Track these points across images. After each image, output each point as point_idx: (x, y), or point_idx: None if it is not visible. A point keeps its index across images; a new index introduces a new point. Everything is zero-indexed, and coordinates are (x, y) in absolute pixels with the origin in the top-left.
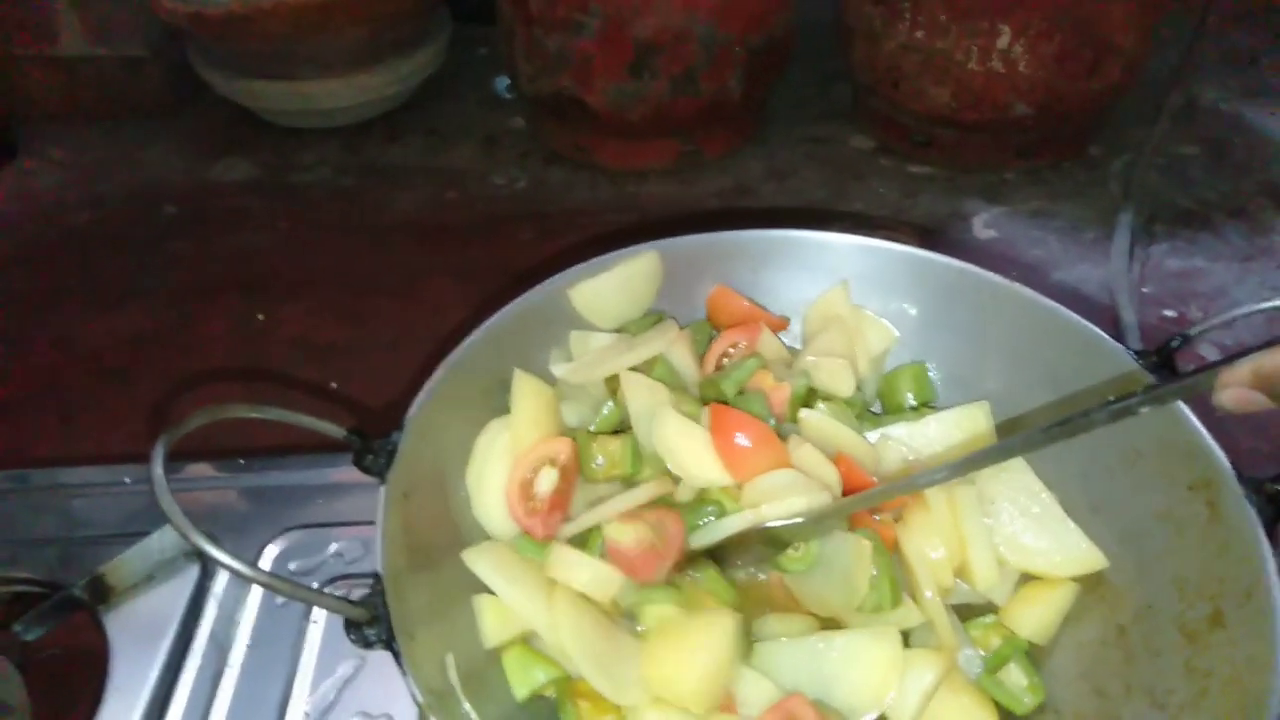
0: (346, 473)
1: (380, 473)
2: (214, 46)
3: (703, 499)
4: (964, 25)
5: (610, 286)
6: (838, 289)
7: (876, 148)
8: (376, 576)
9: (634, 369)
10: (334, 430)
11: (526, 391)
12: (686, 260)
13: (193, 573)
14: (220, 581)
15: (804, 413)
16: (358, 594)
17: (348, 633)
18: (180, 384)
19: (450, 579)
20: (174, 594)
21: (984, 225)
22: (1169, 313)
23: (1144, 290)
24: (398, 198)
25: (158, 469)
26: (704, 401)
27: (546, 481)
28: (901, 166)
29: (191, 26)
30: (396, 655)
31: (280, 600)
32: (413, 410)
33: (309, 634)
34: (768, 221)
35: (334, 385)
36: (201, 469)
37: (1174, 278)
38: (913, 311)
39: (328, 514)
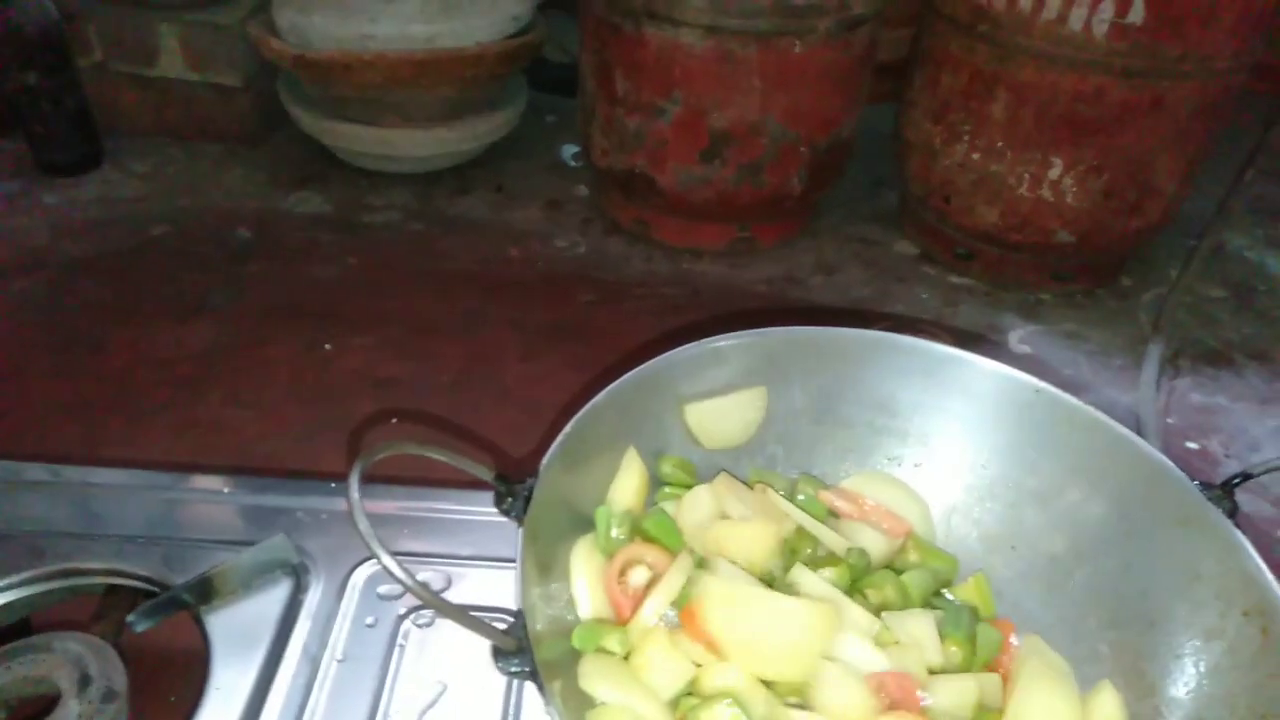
0: (434, 507)
1: (518, 516)
2: (306, 86)
3: None
4: (1020, 153)
5: (722, 409)
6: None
7: (920, 255)
8: (519, 612)
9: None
10: (484, 473)
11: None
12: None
13: (286, 585)
14: (314, 596)
15: None
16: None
17: (495, 659)
18: (245, 402)
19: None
20: (270, 604)
21: (1019, 340)
22: (1192, 444)
23: (1168, 420)
24: (463, 248)
25: (354, 492)
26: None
27: (639, 577)
28: (943, 275)
29: (294, 68)
30: (540, 686)
31: (369, 621)
32: (545, 461)
33: (394, 656)
34: (816, 317)
35: (394, 420)
36: (303, 487)
37: (1197, 411)
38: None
39: (414, 545)
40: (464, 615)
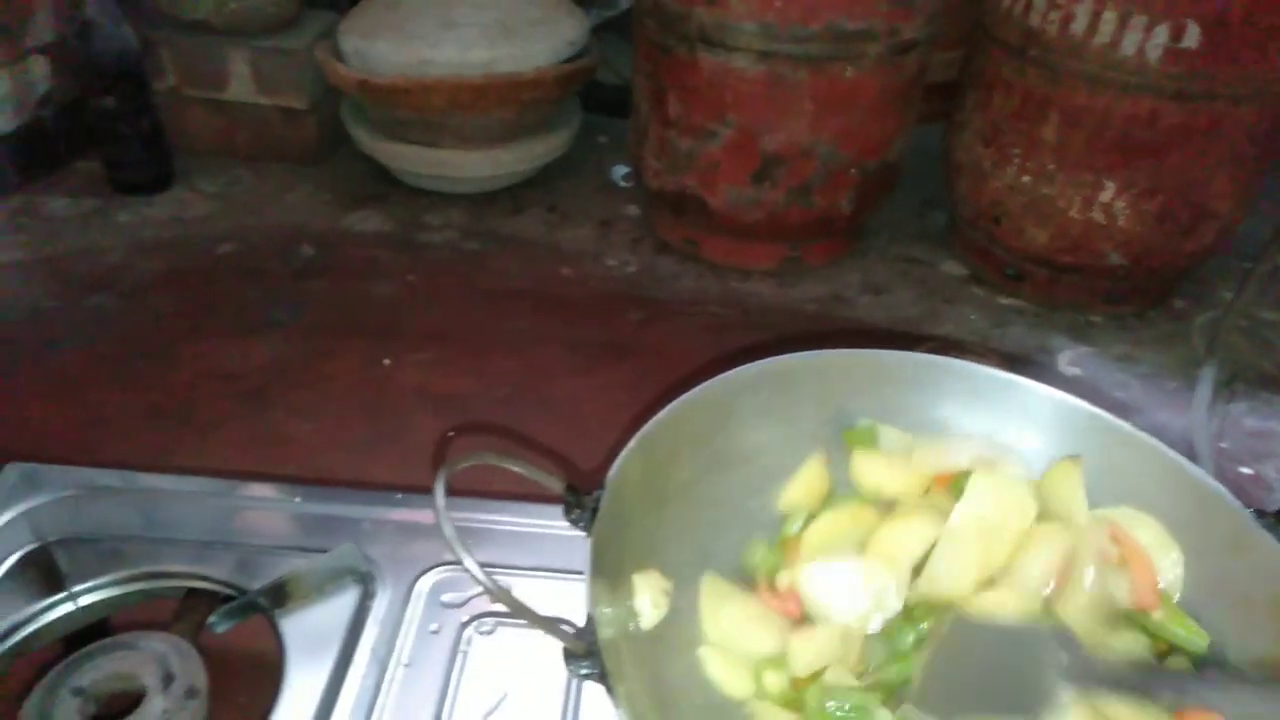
0: (495, 519)
1: (586, 526)
2: (368, 109)
3: None
4: (1071, 175)
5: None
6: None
7: (969, 276)
8: (589, 617)
9: None
10: (555, 484)
11: None
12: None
13: (355, 592)
14: (381, 603)
15: None
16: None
17: (566, 661)
18: (307, 415)
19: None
20: (340, 609)
21: (1069, 363)
22: (1246, 470)
23: (1222, 445)
24: (517, 267)
25: (440, 499)
26: None
27: None
28: (992, 296)
29: (358, 92)
30: (610, 688)
31: (434, 627)
32: (612, 474)
33: (457, 662)
34: (865, 337)
35: (451, 433)
36: (370, 497)
37: (1252, 437)
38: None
39: (478, 556)
40: (540, 618)
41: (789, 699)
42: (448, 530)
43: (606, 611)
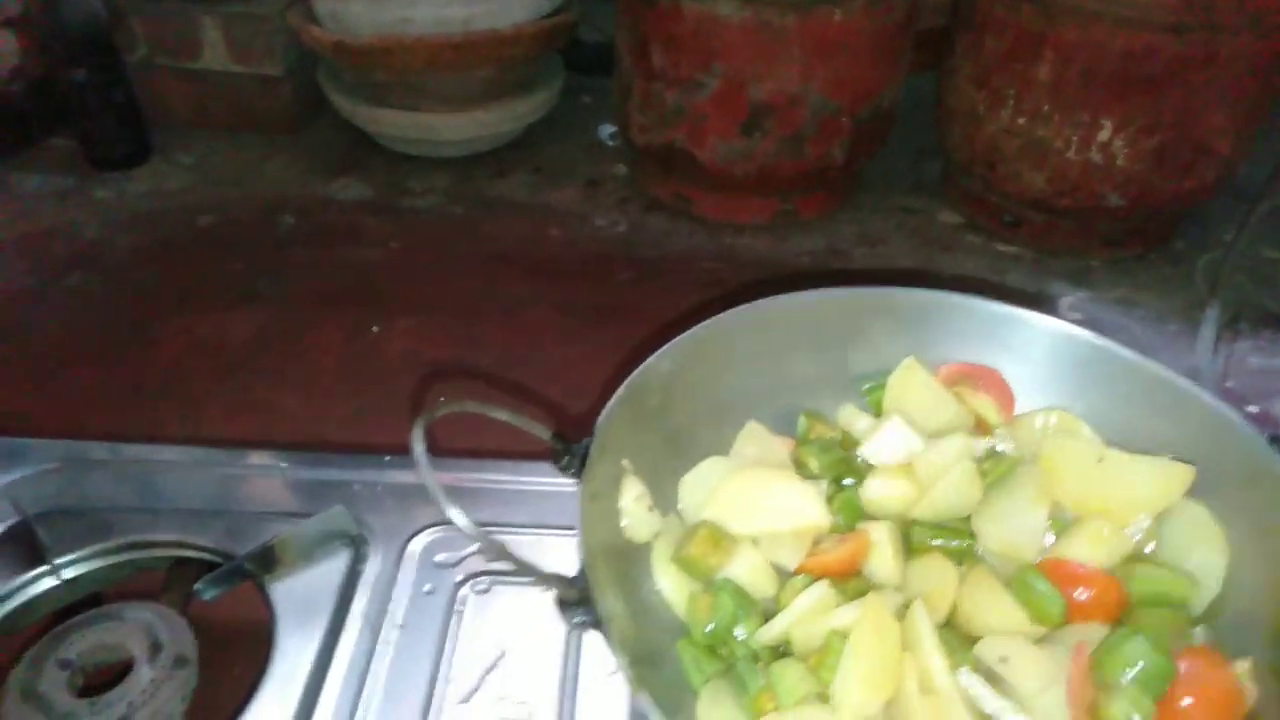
0: (487, 478)
1: (576, 473)
2: (346, 73)
3: None
4: (1067, 115)
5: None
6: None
7: (965, 224)
8: (582, 564)
9: None
10: (542, 431)
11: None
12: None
13: (345, 555)
14: (373, 566)
15: None
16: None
17: (560, 610)
18: (295, 386)
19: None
20: (330, 573)
21: (1069, 308)
22: (1252, 408)
23: (1227, 385)
24: (504, 230)
25: (419, 447)
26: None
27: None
28: (989, 244)
29: (333, 55)
30: (606, 634)
31: (427, 589)
32: (601, 420)
33: (452, 622)
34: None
35: (442, 399)
36: (359, 461)
37: (1257, 375)
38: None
39: (470, 514)
40: (529, 566)
41: None
42: (428, 480)
43: (596, 544)
